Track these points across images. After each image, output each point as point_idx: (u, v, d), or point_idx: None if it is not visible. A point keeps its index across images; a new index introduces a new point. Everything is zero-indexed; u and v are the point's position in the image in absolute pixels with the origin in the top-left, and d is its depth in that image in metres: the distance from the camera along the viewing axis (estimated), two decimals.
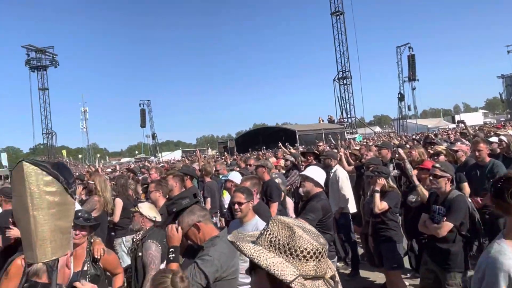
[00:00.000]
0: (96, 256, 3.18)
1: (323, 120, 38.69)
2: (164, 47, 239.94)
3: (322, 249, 1.19)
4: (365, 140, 21.20)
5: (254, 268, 1.24)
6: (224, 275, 2.58)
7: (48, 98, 47.90)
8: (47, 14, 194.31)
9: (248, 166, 7.22)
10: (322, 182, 4.16)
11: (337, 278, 1.24)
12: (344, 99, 43.44)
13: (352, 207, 6.08)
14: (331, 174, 6.18)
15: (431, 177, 3.79)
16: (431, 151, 6.22)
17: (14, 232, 4.46)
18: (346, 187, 6.09)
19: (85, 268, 3.11)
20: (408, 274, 5.33)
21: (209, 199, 6.59)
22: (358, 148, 8.99)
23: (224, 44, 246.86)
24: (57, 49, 59.13)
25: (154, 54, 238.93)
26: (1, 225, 4.59)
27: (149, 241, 3.38)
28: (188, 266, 2.75)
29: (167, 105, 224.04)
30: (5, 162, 47.77)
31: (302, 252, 1.16)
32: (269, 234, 1.22)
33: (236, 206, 3.42)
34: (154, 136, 52.65)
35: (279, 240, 1.19)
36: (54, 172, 1.39)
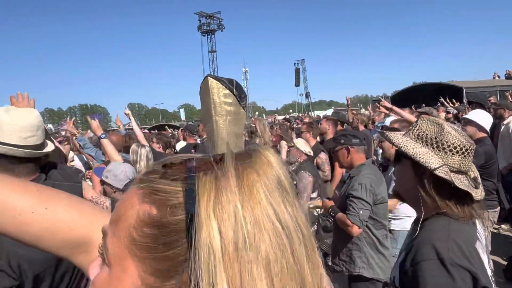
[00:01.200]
0: None
1: (499, 76, 32.88)
2: (318, 10, 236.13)
3: (469, 147, 1.24)
4: None
5: (399, 158, 1.37)
6: (376, 198, 2.72)
7: (216, 59, 53.14)
8: None
9: None
10: (487, 128, 3.77)
11: (479, 180, 1.26)
12: None
13: None
14: (503, 127, 5.44)
15: None
16: None
17: None
18: None
19: None
20: None
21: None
22: None
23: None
24: (222, 14, 64.19)
25: (309, 14, 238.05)
26: None
27: (302, 171, 3.82)
28: (337, 199, 2.98)
29: (321, 64, 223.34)
30: (183, 117, 56.24)
31: (449, 146, 1.23)
32: (417, 129, 1.32)
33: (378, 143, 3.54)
34: (307, 95, 53.78)
35: (427, 134, 1.28)
36: (230, 87, 1.74)
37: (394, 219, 3.33)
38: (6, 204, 0.67)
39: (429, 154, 1.23)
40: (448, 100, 11.47)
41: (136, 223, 0.42)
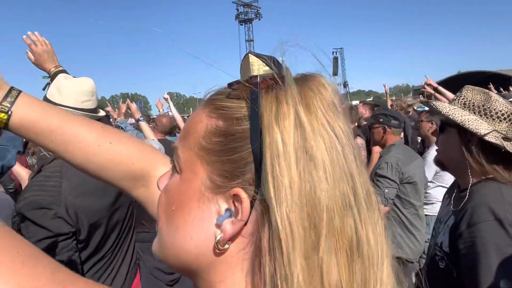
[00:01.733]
0: None
1: None
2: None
3: None
4: None
5: (443, 128, 1.39)
6: (403, 177, 2.73)
7: (253, 49, 53.03)
8: None
9: None
10: None
11: None
12: None
13: None
14: None
15: None
16: None
17: None
18: None
19: None
20: None
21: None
22: None
23: None
24: (259, 2, 63.72)
25: (347, 2, 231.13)
26: None
27: None
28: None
29: (360, 52, 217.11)
30: None
31: (496, 113, 1.26)
32: (463, 98, 1.34)
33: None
34: (345, 85, 52.72)
35: (473, 102, 1.30)
36: (270, 63, 1.89)
37: (426, 203, 3.29)
38: (77, 137, 0.76)
39: (478, 121, 1.26)
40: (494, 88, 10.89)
41: (204, 134, 0.49)
